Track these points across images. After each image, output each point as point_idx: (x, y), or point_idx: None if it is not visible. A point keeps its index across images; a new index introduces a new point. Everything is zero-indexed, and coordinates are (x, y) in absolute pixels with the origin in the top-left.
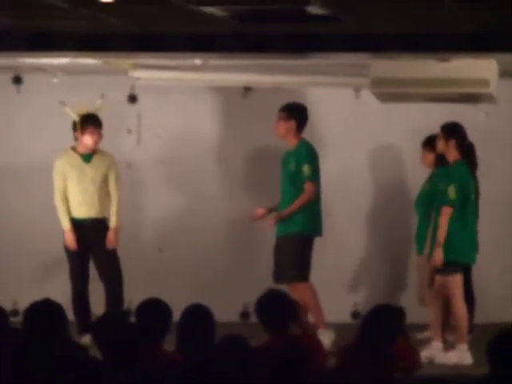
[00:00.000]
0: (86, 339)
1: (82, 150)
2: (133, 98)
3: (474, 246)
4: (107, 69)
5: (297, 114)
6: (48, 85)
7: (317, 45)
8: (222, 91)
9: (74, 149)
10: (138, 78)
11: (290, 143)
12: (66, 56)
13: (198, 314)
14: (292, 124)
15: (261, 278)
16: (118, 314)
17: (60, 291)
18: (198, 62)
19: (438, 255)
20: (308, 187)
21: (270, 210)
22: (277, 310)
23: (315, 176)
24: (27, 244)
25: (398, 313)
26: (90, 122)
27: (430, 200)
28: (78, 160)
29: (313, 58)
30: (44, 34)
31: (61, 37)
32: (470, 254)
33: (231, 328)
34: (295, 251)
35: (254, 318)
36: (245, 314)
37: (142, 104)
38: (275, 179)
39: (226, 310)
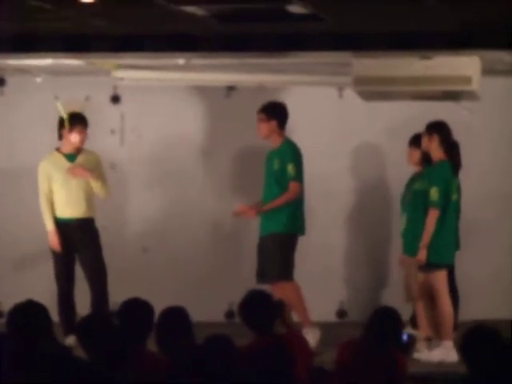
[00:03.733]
0: (71, 340)
1: (66, 149)
2: (116, 99)
3: (453, 247)
4: (90, 69)
5: (276, 113)
6: (31, 86)
7: (299, 44)
8: (205, 91)
9: (58, 149)
10: (121, 79)
11: (275, 142)
12: (49, 57)
13: (172, 317)
14: (273, 124)
15: (246, 278)
16: (103, 315)
17: (44, 292)
18: (180, 61)
19: (422, 255)
20: (292, 187)
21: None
22: (260, 311)
23: (299, 176)
24: (10, 245)
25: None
26: (78, 120)
27: (418, 199)
28: (63, 160)
29: (295, 56)
30: (27, 35)
31: (44, 38)
32: (449, 255)
33: (216, 328)
34: (279, 250)
35: (239, 318)
36: (230, 314)
37: (125, 104)
38: (259, 178)
39: (211, 310)
